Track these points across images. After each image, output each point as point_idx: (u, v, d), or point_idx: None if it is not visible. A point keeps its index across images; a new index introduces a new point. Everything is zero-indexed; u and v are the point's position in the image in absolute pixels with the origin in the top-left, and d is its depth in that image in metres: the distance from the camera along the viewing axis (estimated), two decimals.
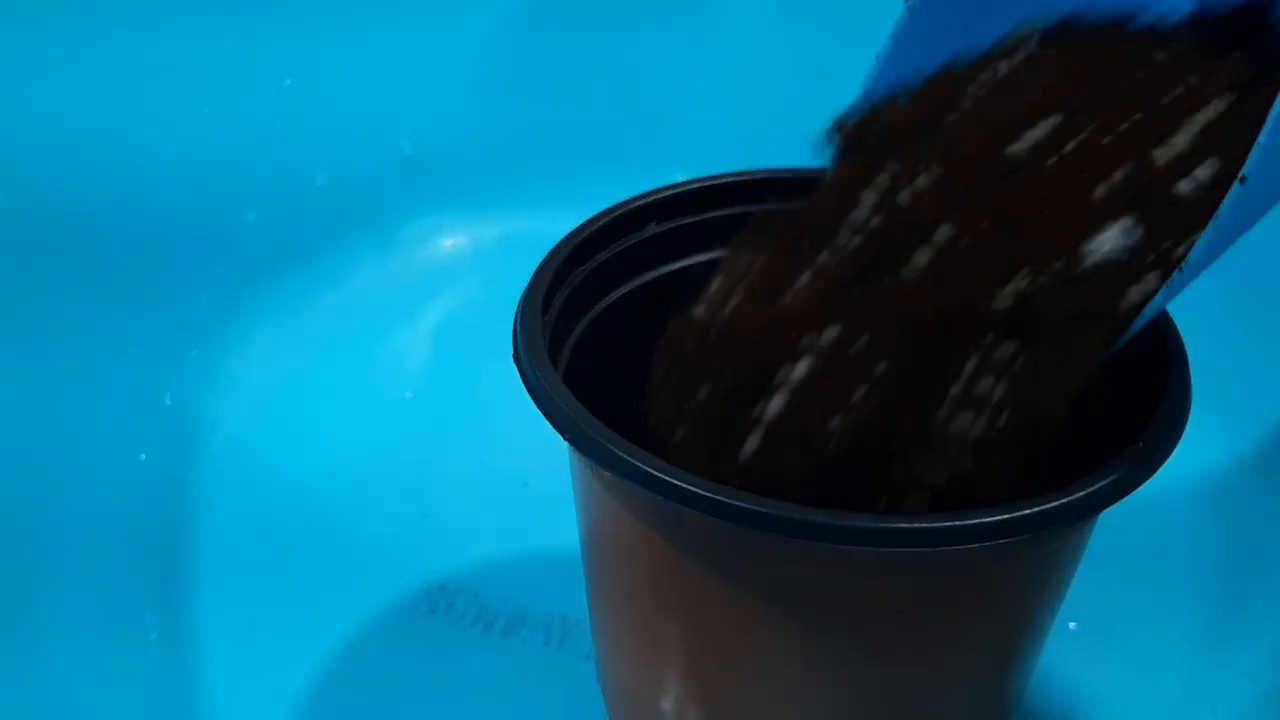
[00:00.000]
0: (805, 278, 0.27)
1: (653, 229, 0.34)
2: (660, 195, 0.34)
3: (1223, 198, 0.24)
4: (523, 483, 0.46)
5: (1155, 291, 0.25)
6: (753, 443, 0.26)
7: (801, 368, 0.26)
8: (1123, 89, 0.27)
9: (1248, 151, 0.23)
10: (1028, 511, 0.25)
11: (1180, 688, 0.39)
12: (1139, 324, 0.25)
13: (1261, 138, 0.23)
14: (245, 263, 0.52)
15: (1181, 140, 0.26)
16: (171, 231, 0.50)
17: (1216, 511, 0.45)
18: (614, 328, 0.34)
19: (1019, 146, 0.26)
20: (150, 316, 0.48)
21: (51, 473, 0.43)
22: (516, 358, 0.29)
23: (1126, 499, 0.26)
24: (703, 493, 0.25)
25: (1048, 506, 0.25)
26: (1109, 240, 0.25)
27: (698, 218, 0.35)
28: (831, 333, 0.26)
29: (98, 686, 0.38)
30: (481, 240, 0.58)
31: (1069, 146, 0.26)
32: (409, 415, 0.50)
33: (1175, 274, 0.24)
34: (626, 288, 0.34)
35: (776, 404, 0.26)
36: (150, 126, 0.50)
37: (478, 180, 0.58)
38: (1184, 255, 0.24)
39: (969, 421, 0.25)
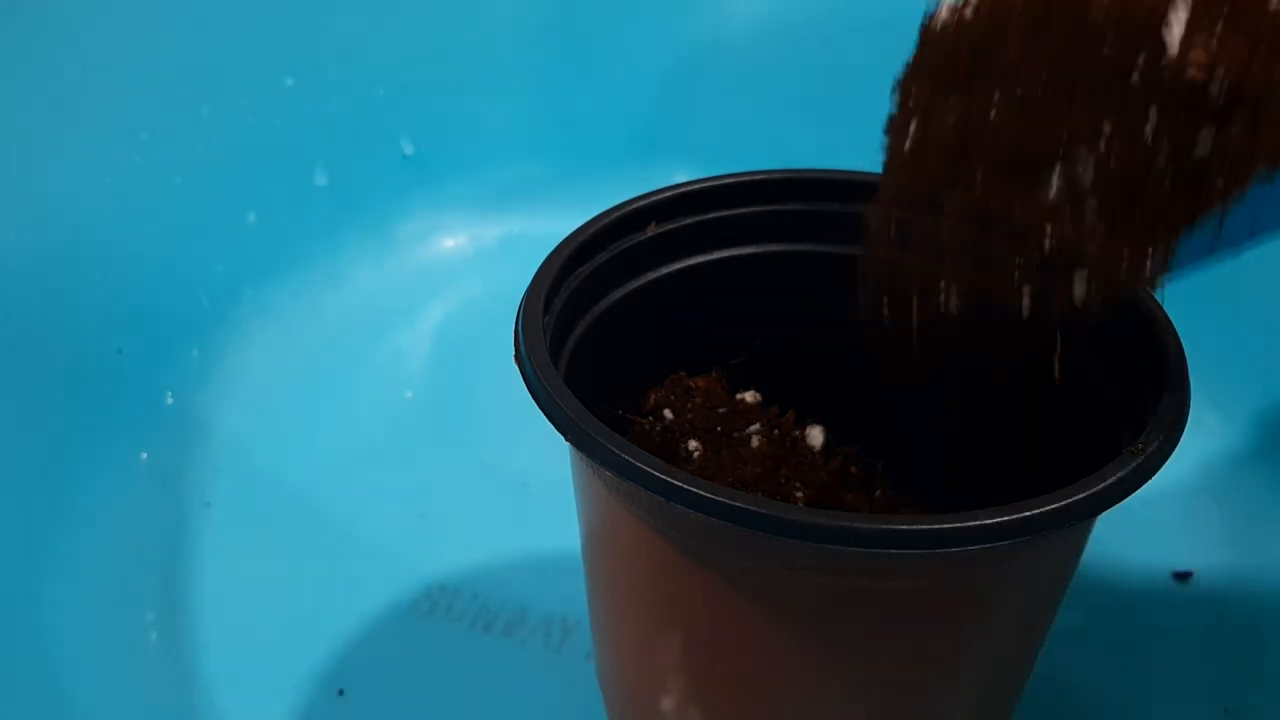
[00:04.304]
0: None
1: (653, 229, 0.34)
2: (660, 195, 0.34)
3: None
4: (523, 483, 0.46)
5: None
6: None
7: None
8: None
9: None
10: (1027, 513, 0.25)
11: (1180, 688, 0.39)
12: None
13: None
14: (245, 263, 0.52)
15: None
16: (171, 231, 0.50)
17: (1216, 511, 0.45)
18: (614, 328, 0.33)
19: None
20: (150, 316, 0.48)
21: (52, 472, 0.43)
22: (518, 358, 0.29)
23: (1126, 499, 0.26)
24: (701, 493, 0.25)
25: (1047, 508, 0.25)
26: None
27: (698, 218, 0.35)
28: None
29: (98, 686, 0.38)
30: (481, 240, 0.58)
31: None
32: (409, 415, 0.50)
33: None
34: (627, 288, 0.34)
35: None
36: (150, 126, 0.50)
37: (478, 180, 0.58)
38: None
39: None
